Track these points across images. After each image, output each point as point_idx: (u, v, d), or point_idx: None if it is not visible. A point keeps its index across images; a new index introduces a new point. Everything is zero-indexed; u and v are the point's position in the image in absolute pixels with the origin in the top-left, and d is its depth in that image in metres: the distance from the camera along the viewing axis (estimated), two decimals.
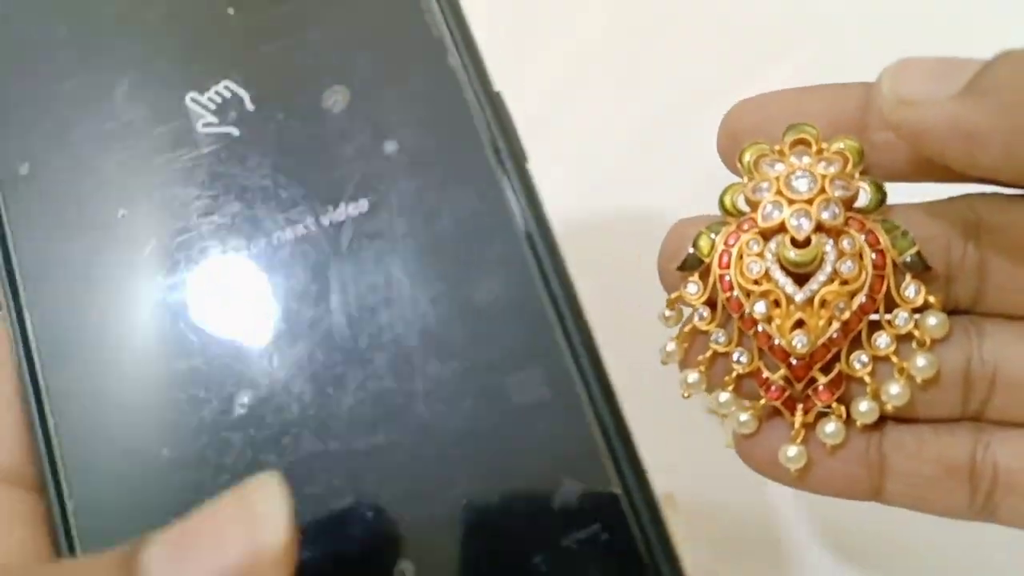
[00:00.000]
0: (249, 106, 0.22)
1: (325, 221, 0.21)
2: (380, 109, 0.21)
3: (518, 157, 0.21)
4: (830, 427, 0.22)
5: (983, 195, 0.22)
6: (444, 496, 0.19)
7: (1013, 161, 0.19)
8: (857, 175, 0.22)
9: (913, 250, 0.22)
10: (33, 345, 0.21)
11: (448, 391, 0.20)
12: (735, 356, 0.23)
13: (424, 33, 0.21)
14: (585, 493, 0.19)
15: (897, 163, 0.23)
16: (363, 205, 0.21)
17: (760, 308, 0.22)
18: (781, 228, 0.22)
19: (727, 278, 0.23)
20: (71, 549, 0.20)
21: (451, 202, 0.21)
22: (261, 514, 0.17)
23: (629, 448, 0.19)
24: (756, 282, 0.22)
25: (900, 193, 0.23)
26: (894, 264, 0.22)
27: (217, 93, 0.22)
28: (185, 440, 0.20)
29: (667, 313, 0.24)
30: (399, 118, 0.21)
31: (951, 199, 0.23)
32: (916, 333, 0.22)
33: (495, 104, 0.21)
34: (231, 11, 0.22)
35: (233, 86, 0.22)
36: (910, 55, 0.21)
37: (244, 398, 0.20)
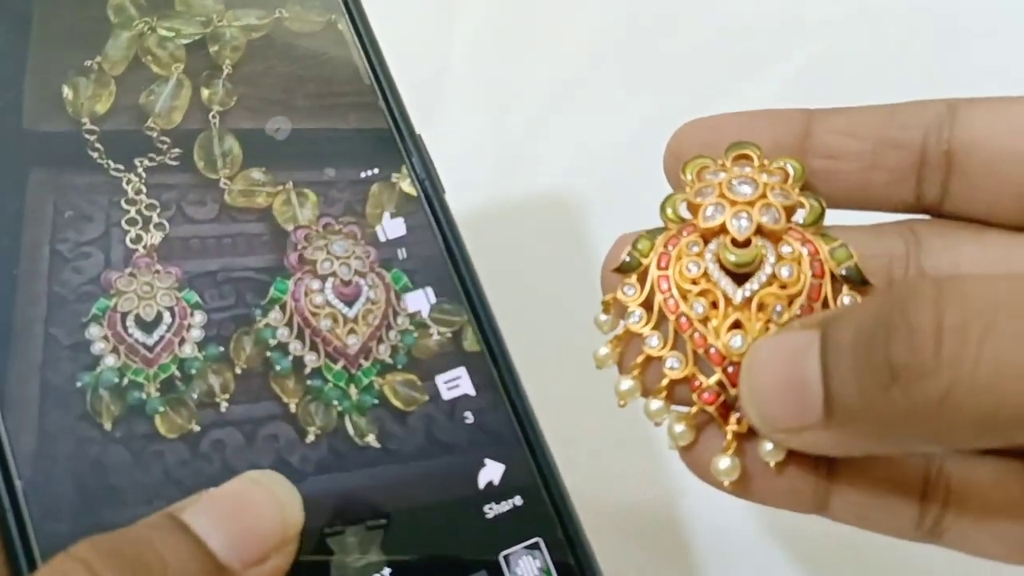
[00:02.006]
0: None
1: None
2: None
3: (436, 186, 0.25)
4: (769, 445, 0.21)
5: (924, 220, 0.23)
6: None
7: (937, 443, 0.19)
8: (797, 190, 0.22)
9: (851, 262, 0.22)
10: None
11: None
12: (668, 362, 0.22)
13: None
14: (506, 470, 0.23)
15: (834, 191, 0.23)
16: None
17: (698, 308, 0.22)
18: (722, 230, 0.22)
19: (665, 279, 0.22)
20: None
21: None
22: (284, 500, 0.21)
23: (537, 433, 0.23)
24: (694, 282, 0.22)
25: (836, 217, 0.23)
26: (832, 276, 0.22)
27: None
28: None
29: (602, 317, 0.23)
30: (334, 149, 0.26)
31: (892, 223, 0.23)
32: None
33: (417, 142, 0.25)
34: None
35: None
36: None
37: None
